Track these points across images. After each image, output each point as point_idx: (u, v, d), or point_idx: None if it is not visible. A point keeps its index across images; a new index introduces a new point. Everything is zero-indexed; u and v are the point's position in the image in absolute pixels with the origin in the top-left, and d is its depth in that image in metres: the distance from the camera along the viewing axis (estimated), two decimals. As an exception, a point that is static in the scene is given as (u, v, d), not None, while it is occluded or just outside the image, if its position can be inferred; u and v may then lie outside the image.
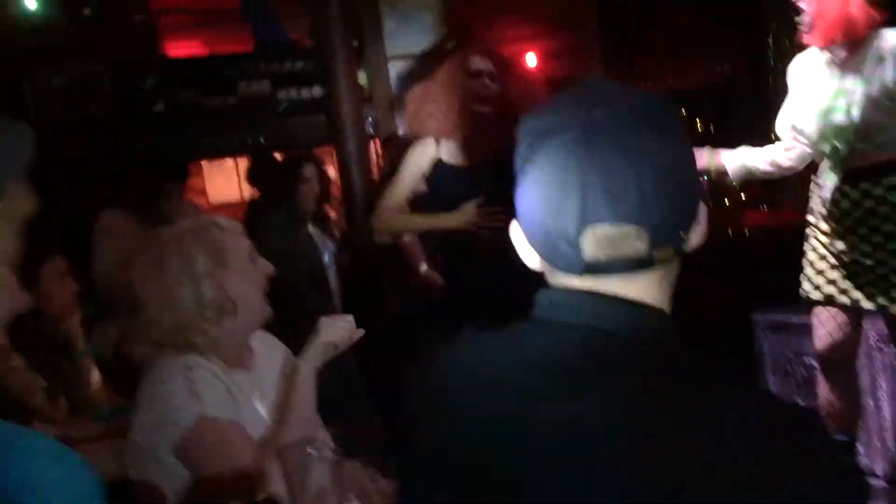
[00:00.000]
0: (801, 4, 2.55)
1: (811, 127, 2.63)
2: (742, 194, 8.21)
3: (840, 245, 2.67)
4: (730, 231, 7.50)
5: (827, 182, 2.66)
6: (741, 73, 7.31)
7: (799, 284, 2.89)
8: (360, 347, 1.95)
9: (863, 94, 2.50)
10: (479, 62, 2.87)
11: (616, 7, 7.49)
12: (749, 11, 7.60)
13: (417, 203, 3.02)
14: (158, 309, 1.69)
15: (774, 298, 3.90)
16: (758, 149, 2.87)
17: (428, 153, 2.95)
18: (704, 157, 2.83)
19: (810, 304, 2.85)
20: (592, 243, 0.87)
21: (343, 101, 4.34)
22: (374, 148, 5.13)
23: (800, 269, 2.85)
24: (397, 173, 3.00)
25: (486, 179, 2.82)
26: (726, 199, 8.27)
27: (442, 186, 2.95)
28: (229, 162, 7.49)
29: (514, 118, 2.89)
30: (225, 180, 7.71)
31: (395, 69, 5.04)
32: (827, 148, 2.60)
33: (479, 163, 2.93)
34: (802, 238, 2.89)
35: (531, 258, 0.95)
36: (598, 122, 0.87)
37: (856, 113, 2.50)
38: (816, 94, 2.65)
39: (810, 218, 2.84)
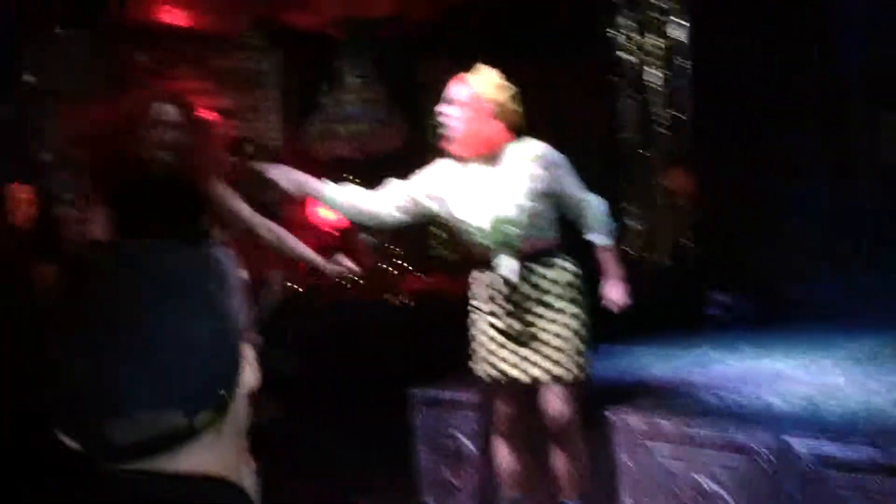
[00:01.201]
0: (446, 120, 2.90)
1: (483, 220, 2.86)
2: (401, 261, 8.70)
3: (517, 325, 2.90)
4: (387, 297, 7.85)
5: (502, 268, 2.86)
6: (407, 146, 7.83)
7: (462, 364, 3.07)
8: None
9: (519, 191, 2.83)
10: (164, 111, 2.80)
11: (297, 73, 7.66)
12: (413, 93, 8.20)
13: None
14: None
15: (429, 371, 4.13)
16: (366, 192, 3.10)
17: None
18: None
19: (489, 382, 3.03)
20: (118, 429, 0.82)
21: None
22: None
23: (468, 354, 3.02)
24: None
25: None
26: (387, 266, 8.71)
27: None
28: None
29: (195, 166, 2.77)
30: None
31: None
32: (500, 237, 2.84)
33: None
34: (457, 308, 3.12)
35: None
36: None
37: (521, 205, 2.81)
38: (473, 192, 2.90)
39: (477, 304, 3.03)
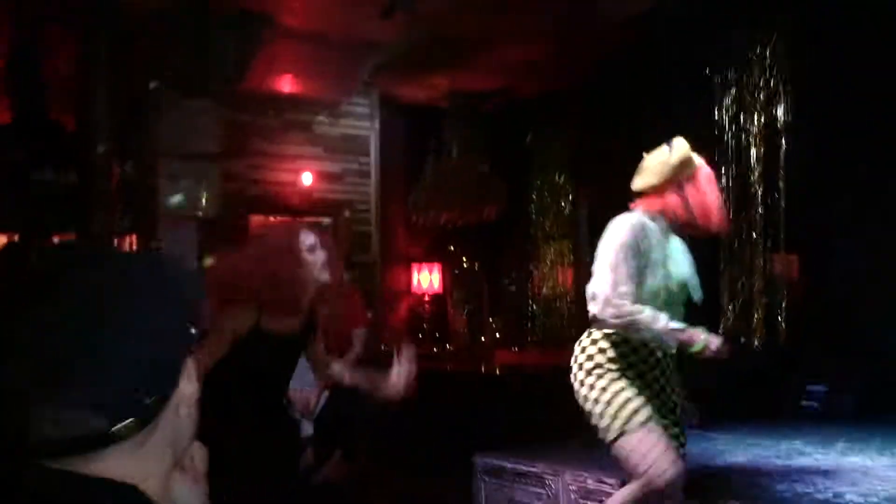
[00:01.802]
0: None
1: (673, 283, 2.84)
2: (497, 334, 8.65)
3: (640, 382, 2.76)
4: (483, 369, 7.80)
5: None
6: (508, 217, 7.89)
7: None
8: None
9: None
10: (311, 236, 2.96)
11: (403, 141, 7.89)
12: (517, 164, 8.28)
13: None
14: None
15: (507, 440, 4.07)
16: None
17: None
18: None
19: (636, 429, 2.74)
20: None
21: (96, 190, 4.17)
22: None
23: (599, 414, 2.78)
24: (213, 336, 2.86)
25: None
26: (482, 338, 8.69)
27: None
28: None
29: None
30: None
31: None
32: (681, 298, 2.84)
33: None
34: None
35: None
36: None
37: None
38: (662, 257, 2.86)
39: (607, 364, 2.81)
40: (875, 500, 2.91)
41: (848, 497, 2.97)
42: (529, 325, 8.47)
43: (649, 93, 6.54)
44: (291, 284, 2.87)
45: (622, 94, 6.95)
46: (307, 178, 6.69)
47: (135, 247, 4.94)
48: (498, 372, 7.64)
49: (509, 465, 3.82)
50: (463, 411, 6.44)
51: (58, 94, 5.38)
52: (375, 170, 7.06)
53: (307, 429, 4.04)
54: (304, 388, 4.07)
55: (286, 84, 6.24)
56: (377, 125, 7.11)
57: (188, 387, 0.94)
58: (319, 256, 2.94)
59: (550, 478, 3.65)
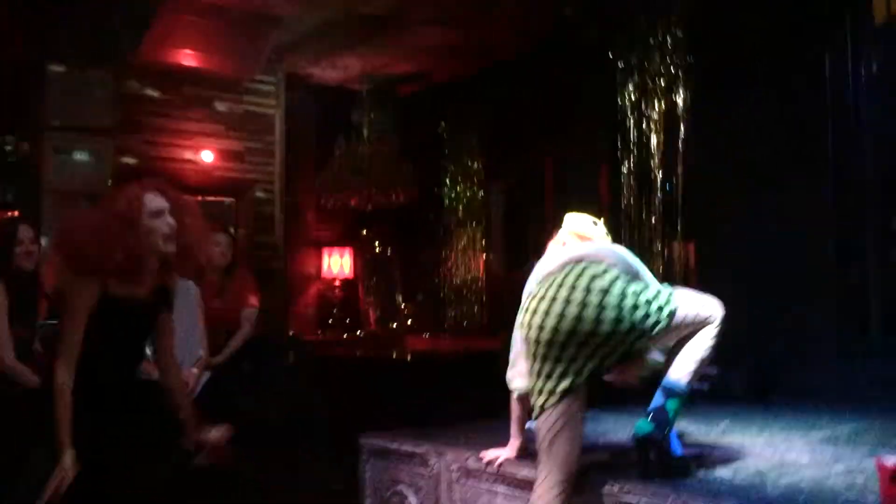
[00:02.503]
0: None
1: None
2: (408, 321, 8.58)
3: None
4: (394, 355, 7.73)
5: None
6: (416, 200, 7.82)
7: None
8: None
9: None
10: (157, 201, 2.87)
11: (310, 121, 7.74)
12: (429, 148, 8.21)
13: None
14: None
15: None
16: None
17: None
18: None
19: None
20: None
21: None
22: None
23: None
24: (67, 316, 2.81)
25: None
26: (393, 324, 8.61)
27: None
28: None
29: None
30: None
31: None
32: None
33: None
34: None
35: None
36: None
37: None
38: None
39: None
40: (744, 475, 2.92)
41: (719, 472, 2.98)
42: (442, 311, 8.42)
43: (561, 79, 6.55)
44: (128, 249, 2.76)
45: (534, 79, 6.94)
46: (207, 156, 6.50)
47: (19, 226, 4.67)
48: (409, 358, 7.58)
49: (393, 446, 3.76)
50: (367, 397, 6.36)
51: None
52: (280, 149, 6.90)
53: None
54: (183, 366, 3.93)
55: (186, 58, 6.04)
56: (283, 104, 6.95)
57: None
58: (166, 222, 2.84)
59: (434, 458, 3.59)
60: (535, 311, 2.90)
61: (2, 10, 5.45)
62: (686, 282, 5.67)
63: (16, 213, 5.23)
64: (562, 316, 2.81)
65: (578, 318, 2.79)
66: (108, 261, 2.73)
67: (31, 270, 3.98)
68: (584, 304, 2.80)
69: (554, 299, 2.86)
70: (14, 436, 3.58)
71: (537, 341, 2.86)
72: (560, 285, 2.89)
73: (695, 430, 3.91)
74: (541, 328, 2.85)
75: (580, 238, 3.22)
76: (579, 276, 2.89)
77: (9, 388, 3.76)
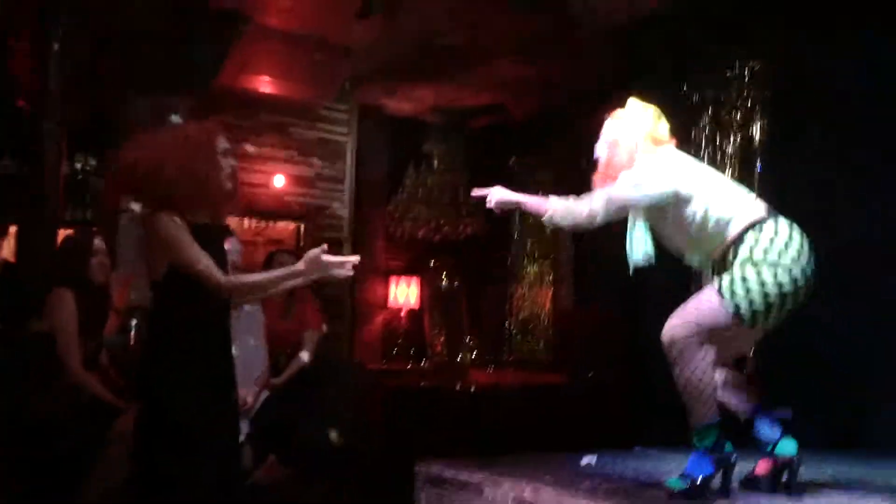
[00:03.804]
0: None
1: None
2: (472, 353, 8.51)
3: None
4: (458, 387, 7.66)
5: None
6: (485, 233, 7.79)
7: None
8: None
9: None
10: (225, 141, 2.82)
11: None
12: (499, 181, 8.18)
13: None
14: None
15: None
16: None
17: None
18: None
19: None
20: None
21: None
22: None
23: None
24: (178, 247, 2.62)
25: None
26: (458, 356, 8.54)
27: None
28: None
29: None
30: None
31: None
32: None
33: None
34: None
35: None
36: None
37: None
38: None
39: None
40: None
41: None
42: (508, 344, 8.33)
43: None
44: (206, 182, 2.66)
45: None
46: (279, 181, 6.61)
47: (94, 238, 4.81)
48: (472, 390, 7.50)
49: (448, 475, 3.70)
50: (428, 427, 6.31)
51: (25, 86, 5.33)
52: (350, 177, 6.96)
53: (243, 427, 3.91)
54: (241, 386, 3.95)
55: (264, 85, 6.17)
56: (355, 132, 7.03)
57: None
58: (230, 163, 2.77)
59: (489, 488, 3.52)
60: None
61: (84, 42, 5.65)
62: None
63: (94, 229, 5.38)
64: None
65: None
66: (181, 186, 2.62)
67: (102, 283, 4.07)
68: None
69: None
70: (83, 442, 3.65)
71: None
72: None
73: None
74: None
75: (656, 142, 3.33)
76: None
77: (77, 399, 3.84)
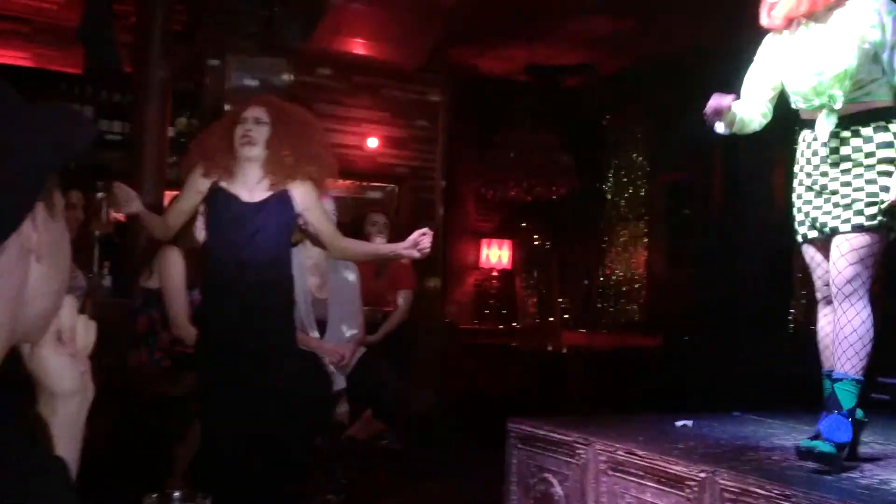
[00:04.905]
0: None
1: (805, 84, 2.77)
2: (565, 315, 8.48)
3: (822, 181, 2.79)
4: (550, 348, 7.68)
5: (818, 128, 2.73)
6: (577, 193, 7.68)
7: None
8: None
9: (847, 48, 2.70)
10: (250, 111, 3.25)
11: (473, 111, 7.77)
12: (592, 141, 8.06)
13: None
14: None
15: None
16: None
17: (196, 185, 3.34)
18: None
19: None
20: None
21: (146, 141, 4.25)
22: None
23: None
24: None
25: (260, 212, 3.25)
26: (550, 318, 8.53)
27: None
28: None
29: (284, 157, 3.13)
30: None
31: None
32: (825, 99, 2.73)
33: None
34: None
35: None
36: None
37: (845, 63, 2.69)
38: (799, 57, 2.81)
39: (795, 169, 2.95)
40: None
41: (893, 485, 2.74)
42: (600, 306, 8.27)
43: (731, 72, 6.24)
44: (211, 146, 3.31)
45: (703, 72, 6.65)
46: (372, 143, 6.66)
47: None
48: (564, 351, 7.50)
49: (541, 433, 3.69)
50: (520, 387, 6.34)
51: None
52: (443, 138, 6.97)
53: (340, 382, 4.01)
54: (339, 341, 4.04)
55: (357, 47, 6.21)
56: (447, 93, 7.01)
57: (42, 235, 0.81)
58: (245, 128, 3.26)
59: (582, 447, 3.50)
60: None
61: (180, 5, 5.78)
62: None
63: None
64: None
65: None
66: (199, 154, 3.29)
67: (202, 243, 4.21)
68: None
69: None
70: (170, 410, 3.83)
71: None
72: None
73: (871, 438, 3.63)
74: None
75: None
76: None
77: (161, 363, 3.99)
